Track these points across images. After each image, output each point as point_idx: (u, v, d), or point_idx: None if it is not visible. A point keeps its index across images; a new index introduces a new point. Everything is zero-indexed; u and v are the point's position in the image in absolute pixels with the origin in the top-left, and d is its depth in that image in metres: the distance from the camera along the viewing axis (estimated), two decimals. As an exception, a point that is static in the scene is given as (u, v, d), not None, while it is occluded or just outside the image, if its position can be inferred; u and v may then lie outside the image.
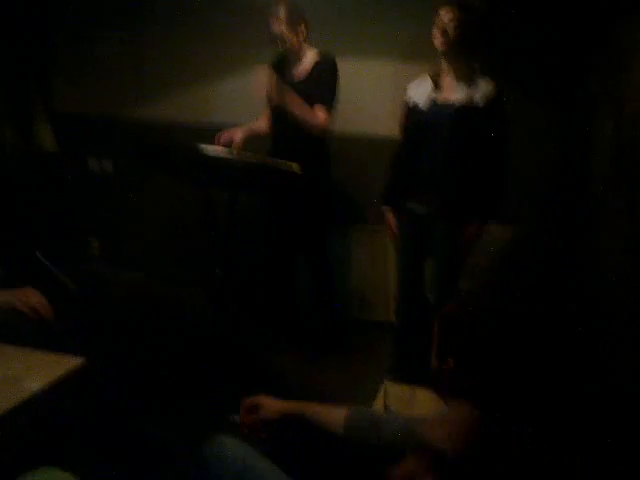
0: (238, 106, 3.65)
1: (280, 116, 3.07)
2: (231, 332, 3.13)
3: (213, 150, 2.87)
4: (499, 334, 1.26)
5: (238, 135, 3.22)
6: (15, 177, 3.71)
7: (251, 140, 3.26)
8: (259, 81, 2.92)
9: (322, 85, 3.02)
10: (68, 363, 1.64)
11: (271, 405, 1.53)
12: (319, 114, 2.98)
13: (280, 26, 2.98)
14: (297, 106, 2.96)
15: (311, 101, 2.99)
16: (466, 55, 2.62)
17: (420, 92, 2.75)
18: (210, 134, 3.19)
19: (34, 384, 1.52)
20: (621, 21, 2.76)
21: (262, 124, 3.34)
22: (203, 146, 2.91)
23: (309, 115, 2.97)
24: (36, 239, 3.73)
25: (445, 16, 2.57)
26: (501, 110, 2.63)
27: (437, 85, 2.70)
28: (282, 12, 2.97)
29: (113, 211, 3.87)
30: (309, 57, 3.10)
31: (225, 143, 3.17)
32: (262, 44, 3.43)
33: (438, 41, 2.59)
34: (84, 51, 3.95)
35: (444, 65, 2.68)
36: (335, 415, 1.47)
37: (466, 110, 2.59)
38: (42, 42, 3.95)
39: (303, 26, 3.03)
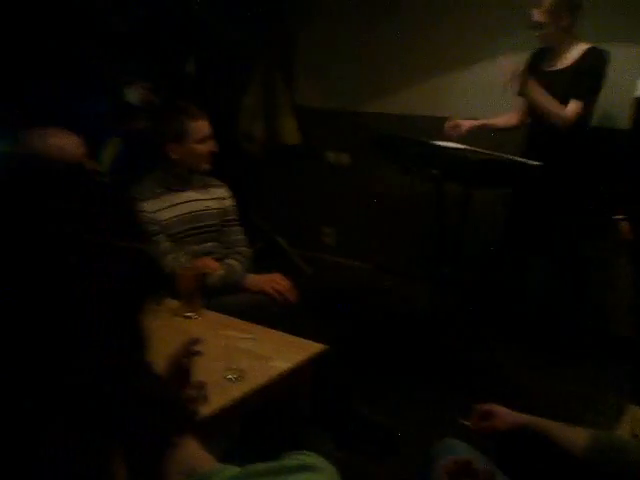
0: (476, 99, 3.57)
1: (535, 110, 2.96)
2: (458, 332, 3.10)
3: (447, 144, 2.87)
4: None
5: (465, 124, 3.13)
6: (260, 167, 4.07)
7: (496, 137, 3.17)
8: (504, 70, 2.84)
9: (582, 78, 2.84)
10: (310, 347, 1.76)
11: (506, 415, 1.48)
12: (568, 108, 2.81)
13: (543, 13, 2.85)
14: (540, 97, 2.83)
15: (568, 94, 2.84)
16: None
17: None
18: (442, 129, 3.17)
19: (282, 364, 1.66)
20: None
21: (504, 119, 3.21)
22: (436, 141, 2.94)
23: (554, 108, 2.83)
24: (278, 226, 4.08)
25: None
26: None
27: None
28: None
29: (348, 202, 4.05)
30: (574, 49, 2.91)
31: (451, 129, 3.11)
32: (504, 32, 3.33)
33: None
34: (325, 49, 4.16)
35: None
36: (575, 435, 1.38)
37: None
38: (289, 41, 4.25)
39: (568, 15, 2.85)
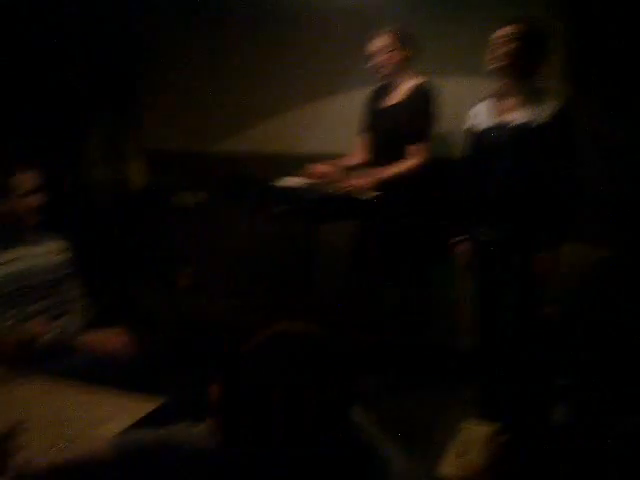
0: (324, 135, 3.68)
1: (377, 144, 3.10)
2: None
3: (288, 182, 2.94)
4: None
5: (326, 169, 3.15)
6: (107, 212, 3.94)
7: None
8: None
9: (415, 118, 2.99)
10: (146, 406, 1.71)
11: None
12: (413, 159, 2.98)
13: (379, 47, 2.99)
14: (388, 175, 2.99)
15: (401, 129, 2.99)
16: (525, 73, 2.54)
17: (482, 115, 2.69)
18: (294, 165, 3.22)
19: (114, 427, 1.59)
20: None
21: (355, 157, 3.31)
22: (284, 179, 2.99)
23: (403, 171, 2.99)
24: (128, 271, 3.96)
25: (500, 34, 2.52)
26: (567, 129, 2.52)
27: (498, 107, 2.63)
28: (387, 34, 2.97)
29: (201, 243, 4.01)
30: (407, 84, 3.05)
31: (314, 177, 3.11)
32: (347, 71, 3.47)
33: (492, 59, 2.54)
34: (173, 89, 4.13)
35: (505, 85, 2.60)
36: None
37: (528, 131, 2.51)
38: (133, 82, 4.19)
39: (406, 52, 3.01)
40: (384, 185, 2.97)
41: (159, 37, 4.09)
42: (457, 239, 2.83)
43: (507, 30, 2.52)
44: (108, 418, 1.64)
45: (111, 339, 2.10)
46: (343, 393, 1.06)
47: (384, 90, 3.15)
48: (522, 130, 2.52)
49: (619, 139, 3.08)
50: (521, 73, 2.55)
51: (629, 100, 3.06)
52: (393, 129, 3.05)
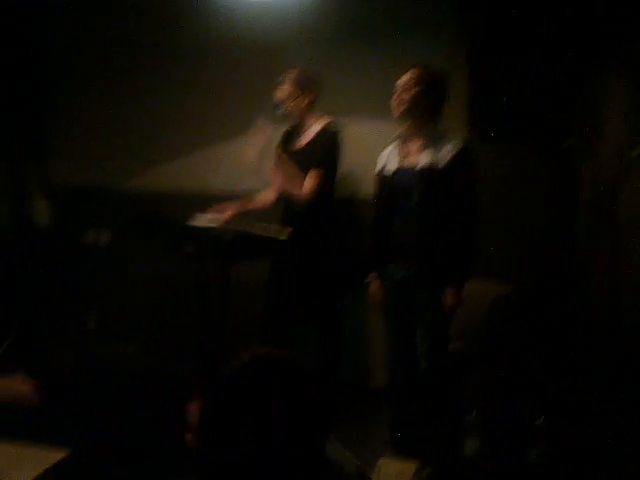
0: (234, 174, 3.63)
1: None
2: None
3: (199, 220, 2.91)
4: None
5: (227, 213, 3.16)
6: (10, 253, 3.75)
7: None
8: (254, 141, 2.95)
9: (317, 153, 3.03)
10: (51, 457, 1.63)
11: None
12: (306, 183, 3.00)
13: (285, 93, 3.02)
14: (284, 176, 3.00)
15: (304, 170, 3.01)
16: (428, 117, 2.66)
17: (389, 158, 2.79)
18: (203, 203, 3.19)
19: (19, 479, 1.51)
20: (598, 82, 2.84)
21: (261, 199, 3.32)
22: (194, 217, 2.96)
23: (292, 186, 3.01)
24: (31, 315, 3.76)
25: (402, 78, 2.64)
26: (467, 170, 2.64)
27: (403, 150, 2.73)
28: (290, 79, 3.02)
29: (109, 284, 3.88)
30: (315, 126, 3.10)
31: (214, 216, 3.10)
32: (257, 111, 3.51)
33: (396, 103, 2.64)
34: (78, 125, 4.04)
35: (409, 129, 2.70)
36: None
37: (430, 173, 2.61)
38: (36, 116, 4.06)
39: (311, 95, 3.05)
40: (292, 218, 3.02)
41: (67, 73, 4.01)
42: (369, 278, 2.89)
43: (409, 75, 2.64)
44: (11, 469, 1.55)
45: (11, 386, 1.99)
46: (323, 417, 1.08)
47: (294, 131, 3.20)
48: (426, 172, 2.62)
49: (516, 179, 3.28)
50: (423, 117, 2.66)
51: (524, 140, 3.27)
52: (302, 171, 3.05)
